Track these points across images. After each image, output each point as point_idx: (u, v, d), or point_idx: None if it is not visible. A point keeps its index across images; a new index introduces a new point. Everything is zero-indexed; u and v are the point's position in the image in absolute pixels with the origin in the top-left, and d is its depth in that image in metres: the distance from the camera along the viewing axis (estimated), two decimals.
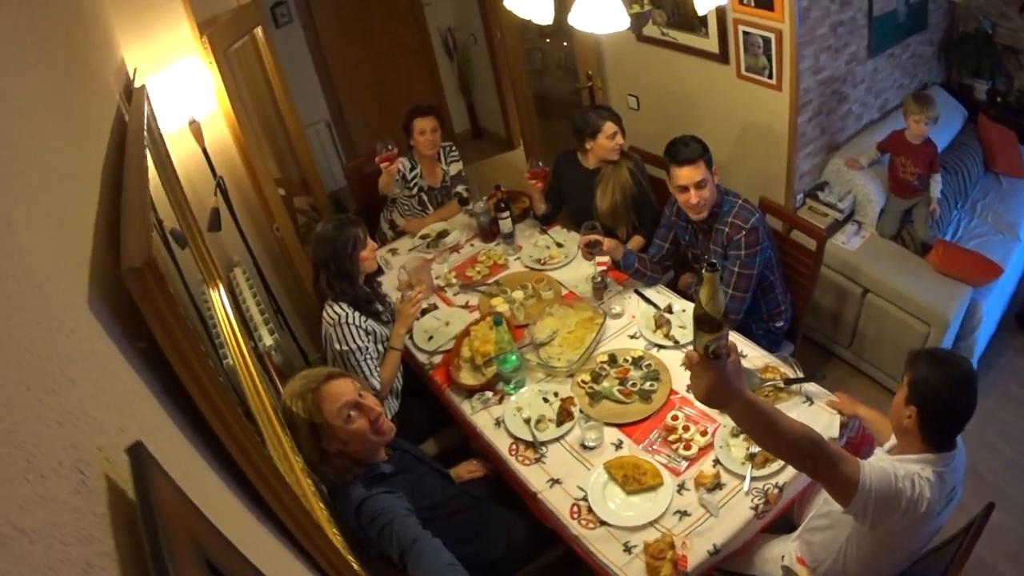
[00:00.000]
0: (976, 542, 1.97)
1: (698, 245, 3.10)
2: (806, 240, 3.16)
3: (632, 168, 3.46)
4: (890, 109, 4.15)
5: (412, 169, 3.86)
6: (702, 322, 1.42)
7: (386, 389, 2.88)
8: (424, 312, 3.24)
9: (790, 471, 2.29)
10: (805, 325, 3.40)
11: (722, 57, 3.59)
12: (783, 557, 2.31)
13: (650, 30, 3.83)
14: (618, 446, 2.51)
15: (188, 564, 0.68)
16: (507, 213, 3.58)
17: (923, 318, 3.35)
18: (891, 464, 1.86)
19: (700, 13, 2.15)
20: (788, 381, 2.59)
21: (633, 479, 2.33)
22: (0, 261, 0.71)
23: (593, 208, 3.51)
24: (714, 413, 2.51)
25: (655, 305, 3.09)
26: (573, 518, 2.30)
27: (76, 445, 0.69)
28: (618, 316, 3.06)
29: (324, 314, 2.88)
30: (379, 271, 3.14)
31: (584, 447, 2.52)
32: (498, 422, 2.67)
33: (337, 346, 2.81)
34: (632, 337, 2.96)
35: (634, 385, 2.67)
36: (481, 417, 2.72)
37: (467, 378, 2.86)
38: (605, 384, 2.71)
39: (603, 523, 2.26)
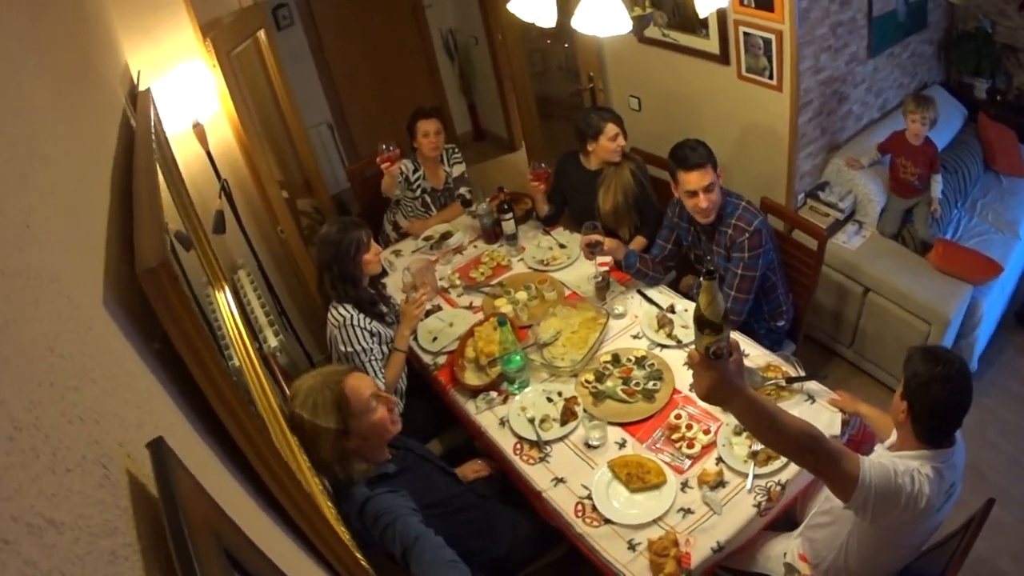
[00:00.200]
0: (976, 538, 1.98)
1: (700, 246, 3.11)
2: (807, 240, 3.18)
3: (634, 169, 3.48)
4: (890, 109, 4.17)
5: (415, 171, 3.87)
6: (702, 325, 1.45)
7: (391, 390, 2.90)
8: (428, 313, 3.25)
9: (792, 469, 2.31)
10: (807, 324, 3.41)
11: (723, 58, 3.61)
12: (785, 554, 2.33)
13: (651, 31, 3.84)
14: (622, 445, 2.53)
15: (210, 555, 0.70)
16: (510, 215, 3.60)
17: (924, 317, 3.36)
18: (891, 460, 1.88)
19: (701, 15, 2.17)
20: (790, 379, 2.60)
21: (637, 477, 2.34)
22: (21, 260, 0.73)
23: (595, 209, 3.53)
24: (717, 412, 2.53)
25: (657, 305, 3.10)
26: (577, 516, 2.31)
27: (99, 440, 0.71)
28: (621, 316, 3.08)
29: (329, 316, 2.90)
30: (383, 273, 3.15)
31: (588, 446, 2.53)
32: (502, 422, 2.68)
33: (342, 347, 2.83)
34: (635, 337, 2.97)
35: (637, 384, 2.69)
36: (485, 417, 2.73)
37: (471, 378, 2.87)
38: (608, 384, 2.72)
39: (607, 521, 2.28)
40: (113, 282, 1.11)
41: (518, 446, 2.59)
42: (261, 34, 3.65)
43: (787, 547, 2.34)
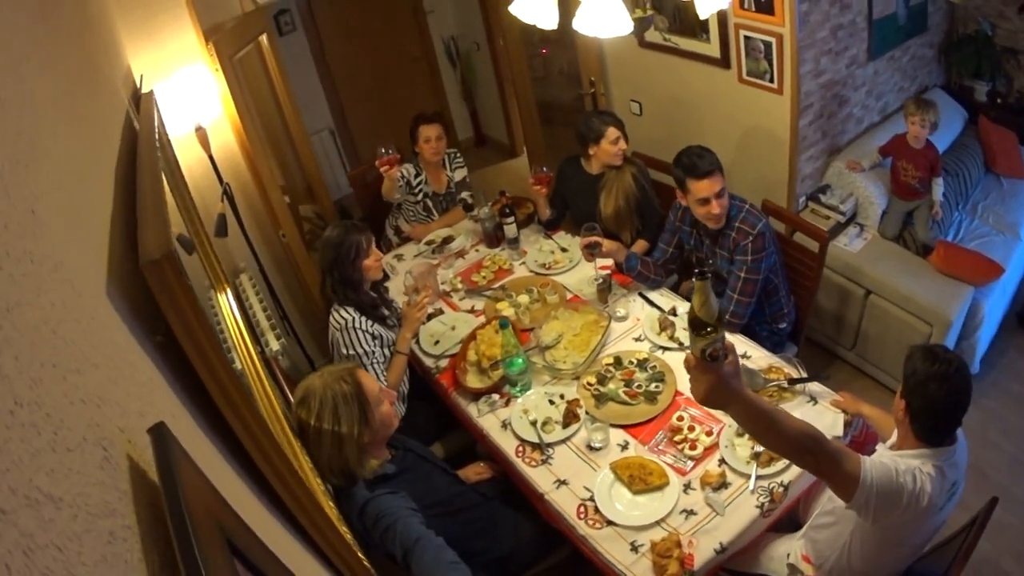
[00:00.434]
0: (979, 538, 1.98)
1: (702, 250, 3.11)
2: (809, 242, 3.17)
3: (635, 173, 3.48)
4: (891, 112, 4.17)
5: (417, 175, 3.88)
6: (696, 327, 1.44)
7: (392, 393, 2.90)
8: (430, 317, 3.26)
9: (795, 470, 2.30)
10: (808, 327, 3.41)
11: (724, 62, 3.62)
12: (788, 555, 2.32)
13: (652, 35, 3.86)
14: (624, 447, 2.52)
15: (211, 540, 0.70)
16: (512, 219, 3.61)
17: (925, 318, 3.36)
18: (892, 459, 1.88)
19: (702, 16, 2.17)
20: (792, 381, 2.60)
21: (639, 479, 2.34)
22: (25, 244, 0.73)
23: (597, 213, 3.53)
24: (719, 413, 2.52)
25: (659, 308, 3.10)
26: (580, 518, 2.31)
27: (99, 424, 0.71)
28: (623, 319, 3.08)
29: (331, 319, 2.90)
30: (385, 276, 3.16)
31: (590, 448, 2.53)
32: (505, 424, 2.68)
33: (344, 350, 2.83)
34: (637, 339, 2.97)
35: (639, 387, 2.68)
36: (488, 420, 2.73)
37: (473, 381, 2.87)
38: (611, 386, 2.72)
39: (610, 523, 2.27)
40: (116, 276, 1.11)
41: (520, 448, 2.58)
42: (263, 39, 3.67)
43: (790, 548, 2.33)
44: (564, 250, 3.59)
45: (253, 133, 3.41)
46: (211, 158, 3.21)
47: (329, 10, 5.63)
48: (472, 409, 2.78)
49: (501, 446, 2.62)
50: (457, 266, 3.64)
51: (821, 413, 2.49)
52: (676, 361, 2.78)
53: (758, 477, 2.30)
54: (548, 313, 3.09)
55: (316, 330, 3.99)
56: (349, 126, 6.08)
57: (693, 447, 2.44)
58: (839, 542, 2.11)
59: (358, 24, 5.80)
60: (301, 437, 2.08)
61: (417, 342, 3.12)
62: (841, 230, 3.81)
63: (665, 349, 2.88)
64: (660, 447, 2.49)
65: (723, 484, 2.31)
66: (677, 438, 2.49)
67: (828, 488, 1.94)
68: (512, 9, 2.24)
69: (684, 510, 2.27)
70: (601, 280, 3.18)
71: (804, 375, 2.63)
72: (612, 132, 3.36)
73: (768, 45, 3.34)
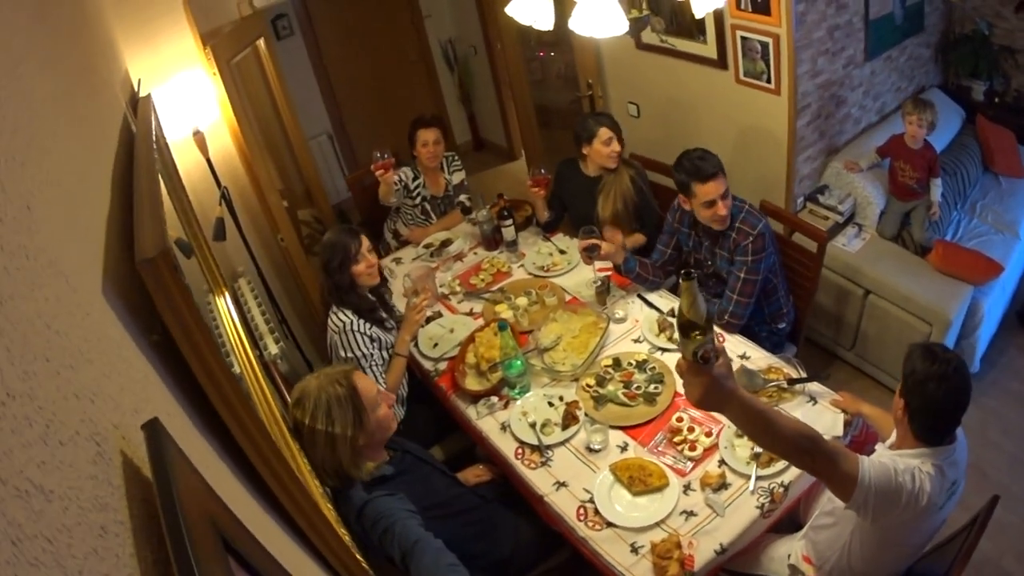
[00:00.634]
0: (980, 537, 1.97)
1: (701, 251, 3.10)
2: (807, 243, 3.17)
3: (633, 176, 3.48)
4: (888, 112, 4.18)
5: (415, 179, 3.88)
6: (687, 329, 1.43)
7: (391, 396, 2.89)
8: (429, 320, 3.25)
9: (795, 470, 2.29)
10: (807, 327, 3.40)
11: (720, 63, 3.62)
12: (789, 556, 2.32)
13: (649, 37, 3.86)
14: (624, 448, 2.52)
15: (204, 537, 0.69)
16: (510, 221, 3.61)
17: (925, 318, 3.36)
18: (891, 459, 1.87)
19: (697, 16, 2.18)
20: (792, 381, 2.60)
21: (639, 480, 2.33)
22: (20, 239, 0.73)
23: (595, 216, 3.53)
24: (717, 414, 2.51)
25: (658, 309, 3.10)
26: (580, 520, 2.30)
27: (93, 419, 0.71)
28: (621, 320, 3.07)
29: (329, 321, 2.90)
30: (384, 280, 3.14)
31: (590, 450, 2.52)
32: (504, 427, 2.68)
33: (343, 353, 2.83)
34: (636, 341, 2.97)
35: (638, 388, 2.68)
36: (487, 422, 2.72)
37: (472, 384, 2.86)
38: (610, 387, 2.72)
39: (610, 524, 2.26)
40: (112, 275, 1.11)
41: (519, 451, 2.58)
42: (261, 43, 3.68)
43: (791, 548, 2.33)
44: (562, 252, 3.59)
45: (251, 137, 3.41)
46: (209, 162, 3.22)
47: (326, 14, 5.64)
48: (471, 411, 2.78)
49: (500, 448, 2.61)
50: (455, 269, 3.64)
51: (821, 413, 2.48)
52: (675, 362, 2.77)
53: (758, 478, 2.30)
54: (547, 315, 3.08)
55: (315, 334, 3.99)
56: (347, 130, 6.08)
57: (693, 448, 2.44)
58: (839, 542, 2.10)
59: (355, 28, 5.81)
60: (297, 437, 2.07)
61: (416, 345, 3.12)
62: (839, 230, 3.81)
63: (664, 350, 2.88)
64: (660, 448, 2.49)
65: (723, 485, 2.31)
66: (676, 439, 2.48)
67: (827, 488, 1.94)
68: (509, 10, 2.24)
69: (684, 511, 2.26)
70: (600, 282, 3.18)
71: (804, 375, 2.62)
72: (604, 132, 3.36)
73: (765, 46, 3.34)
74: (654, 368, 2.77)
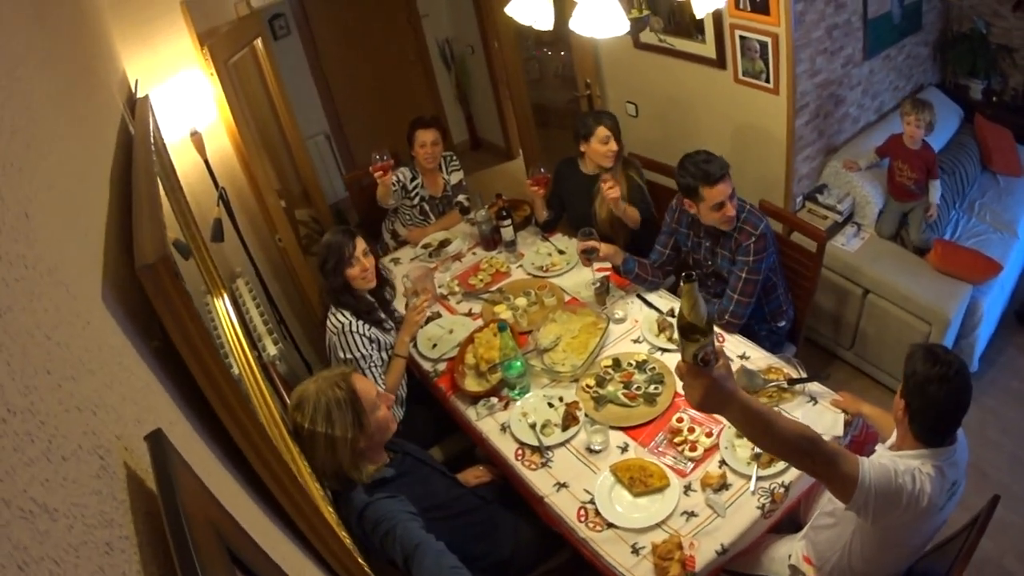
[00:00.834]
0: (981, 537, 1.97)
1: (700, 251, 3.10)
2: (806, 242, 3.17)
3: (632, 175, 3.47)
4: (887, 111, 4.17)
5: (413, 179, 3.87)
6: (687, 331, 1.42)
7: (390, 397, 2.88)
8: (428, 320, 3.24)
9: (795, 471, 2.29)
10: (807, 327, 3.40)
11: (719, 62, 3.62)
12: (790, 556, 2.32)
13: (647, 37, 3.86)
14: (624, 449, 2.51)
15: (210, 549, 0.68)
16: (509, 221, 3.60)
17: (924, 317, 3.36)
18: (891, 460, 1.87)
19: (698, 16, 2.17)
20: (792, 381, 2.59)
21: (639, 481, 2.33)
22: (19, 248, 0.72)
23: (592, 215, 3.52)
24: (717, 415, 2.51)
25: (657, 309, 3.10)
26: (580, 521, 2.30)
27: (96, 431, 0.70)
28: (621, 321, 3.07)
29: (328, 322, 2.89)
30: (384, 281, 3.13)
31: (590, 451, 2.52)
32: (503, 428, 2.67)
33: (342, 354, 2.82)
34: (635, 341, 2.96)
35: (638, 388, 2.67)
36: (486, 423, 2.72)
37: (472, 385, 2.86)
38: (610, 388, 2.71)
39: (610, 525, 2.26)
40: (112, 280, 1.10)
41: (520, 452, 2.57)
42: (258, 43, 3.66)
43: (791, 549, 2.33)
44: (561, 252, 3.58)
45: (249, 137, 3.40)
46: (207, 163, 3.20)
47: (324, 14, 5.62)
48: (471, 412, 2.77)
49: (500, 449, 2.60)
50: (454, 269, 3.63)
51: (821, 413, 2.48)
52: (675, 363, 2.75)
53: (759, 478, 2.30)
54: (546, 315, 3.08)
55: (313, 335, 3.98)
56: (344, 130, 6.06)
57: (693, 448, 2.43)
58: (840, 543, 2.10)
59: (353, 28, 5.79)
60: (297, 441, 2.07)
61: (415, 345, 3.11)
62: (838, 230, 3.80)
63: (664, 351, 2.88)
64: (660, 449, 2.49)
65: (724, 485, 2.31)
66: (677, 440, 2.48)
67: (827, 489, 1.93)
68: (508, 10, 2.23)
69: (685, 512, 2.26)
70: (599, 282, 3.17)
71: (803, 375, 2.62)
72: (602, 131, 3.35)
73: (764, 45, 3.34)
74: (654, 368, 2.77)
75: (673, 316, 2.99)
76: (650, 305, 3.13)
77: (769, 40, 3.30)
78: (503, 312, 3.20)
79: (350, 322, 2.84)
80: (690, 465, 2.40)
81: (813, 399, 2.55)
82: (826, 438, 1.95)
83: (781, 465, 2.31)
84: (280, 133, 4.03)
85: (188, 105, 3.16)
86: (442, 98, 6.49)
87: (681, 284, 1.42)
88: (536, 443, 2.56)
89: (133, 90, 2.59)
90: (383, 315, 3.06)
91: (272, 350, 3.17)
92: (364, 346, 2.83)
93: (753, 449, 2.36)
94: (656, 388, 2.67)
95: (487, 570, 2.32)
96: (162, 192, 2.04)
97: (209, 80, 3.18)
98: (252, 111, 3.69)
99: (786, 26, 3.21)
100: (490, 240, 3.71)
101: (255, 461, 1.21)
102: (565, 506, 2.36)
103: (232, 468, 1.25)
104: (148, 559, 0.69)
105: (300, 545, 1.39)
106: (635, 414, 2.61)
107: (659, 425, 2.56)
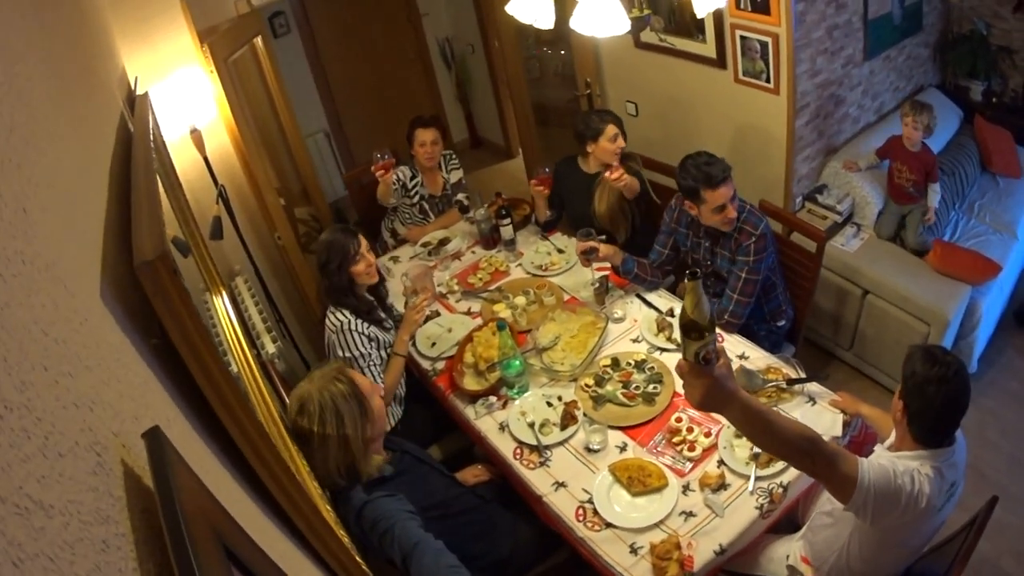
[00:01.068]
0: (980, 538, 1.97)
1: (699, 251, 3.10)
2: (806, 242, 3.17)
3: (634, 167, 3.45)
4: (887, 112, 4.18)
5: (413, 178, 3.86)
6: (689, 329, 1.42)
7: (389, 395, 2.88)
8: (427, 319, 3.24)
9: (794, 471, 2.29)
10: (806, 327, 3.40)
11: (720, 62, 3.62)
12: (788, 556, 2.32)
13: (648, 36, 3.86)
14: (623, 449, 2.51)
15: (207, 546, 0.68)
16: (508, 220, 3.60)
17: (923, 318, 3.36)
18: (890, 461, 1.87)
19: (699, 15, 2.17)
20: (791, 381, 2.59)
21: (638, 481, 2.33)
22: (16, 244, 0.72)
23: (591, 213, 3.51)
24: (717, 415, 2.51)
25: (657, 309, 3.09)
26: (579, 520, 2.30)
27: (92, 428, 0.70)
28: (620, 320, 3.07)
29: (327, 321, 2.89)
30: (382, 279, 3.13)
31: (588, 450, 2.52)
32: (502, 427, 2.67)
33: (340, 353, 2.82)
34: (635, 341, 2.96)
35: (637, 388, 2.67)
36: (485, 422, 2.71)
37: (471, 383, 2.86)
38: (608, 387, 2.71)
39: (609, 525, 2.26)
40: (110, 278, 1.10)
41: (518, 451, 2.57)
42: (258, 40, 3.66)
43: (789, 549, 2.33)
44: (560, 251, 3.58)
45: (248, 135, 3.40)
46: (206, 160, 3.20)
47: (324, 12, 5.62)
48: (469, 411, 2.77)
49: (499, 448, 2.60)
50: (453, 268, 3.63)
51: (820, 413, 2.48)
52: (674, 362, 2.75)
53: (757, 478, 2.30)
54: (545, 315, 3.08)
55: (312, 333, 3.97)
56: (344, 128, 6.06)
57: (692, 448, 2.43)
58: (838, 543, 2.10)
59: (353, 26, 5.78)
60: (303, 445, 2.06)
61: (414, 344, 3.11)
62: (838, 230, 3.81)
63: (663, 350, 2.88)
64: (659, 448, 2.49)
65: (722, 485, 2.31)
66: (676, 439, 2.48)
67: (826, 490, 1.93)
68: (509, 9, 2.23)
69: (683, 512, 2.26)
70: (598, 282, 3.17)
71: (803, 375, 2.62)
72: (611, 130, 3.35)
73: (764, 45, 3.34)
74: (653, 368, 2.76)
75: (672, 316, 3.00)
76: (649, 305, 3.13)
77: (769, 40, 3.30)
78: (502, 311, 3.20)
79: (349, 320, 2.83)
80: (688, 465, 2.40)
81: (812, 399, 2.55)
82: (825, 438, 1.95)
83: (779, 465, 2.31)
84: (280, 131, 4.02)
85: (188, 102, 3.15)
86: (442, 97, 6.49)
87: (685, 280, 1.41)
88: (535, 442, 2.55)
89: (132, 87, 2.58)
90: (382, 314, 3.05)
91: (271, 348, 3.16)
92: (363, 344, 2.83)
93: (752, 449, 2.36)
94: (655, 388, 2.67)
95: (485, 569, 2.32)
96: (161, 189, 2.04)
97: (209, 78, 3.17)
98: (252, 109, 3.69)
99: (787, 26, 3.21)
100: (489, 239, 3.71)
101: (253, 459, 1.21)
102: (563, 505, 2.35)
103: (230, 466, 1.25)
104: (144, 556, 0.69)
105: (298, 544, 1.39)
106: (634, 414, 2.60)
107: (658, 425, 2.56)
